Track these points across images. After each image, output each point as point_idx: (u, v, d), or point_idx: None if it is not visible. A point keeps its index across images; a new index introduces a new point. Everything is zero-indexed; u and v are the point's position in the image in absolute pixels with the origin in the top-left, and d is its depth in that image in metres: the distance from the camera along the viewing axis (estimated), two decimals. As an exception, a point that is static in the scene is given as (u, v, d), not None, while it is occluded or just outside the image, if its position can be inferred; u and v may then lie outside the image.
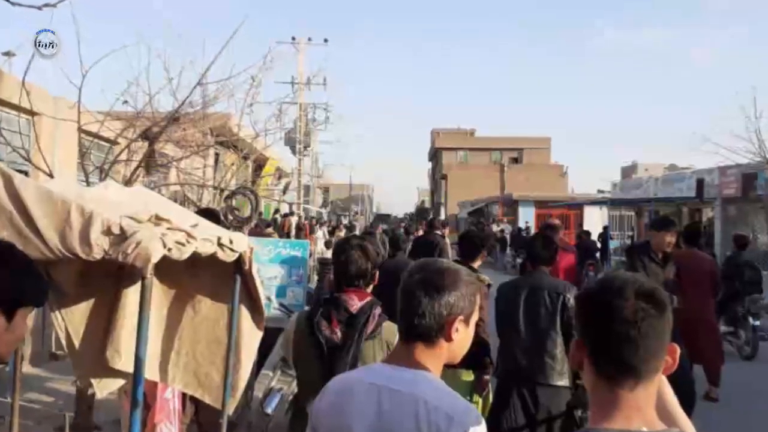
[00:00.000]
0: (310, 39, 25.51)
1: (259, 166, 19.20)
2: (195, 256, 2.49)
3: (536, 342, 3.92)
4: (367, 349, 2.48)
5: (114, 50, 6.56)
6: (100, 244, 2.16)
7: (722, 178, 16.75)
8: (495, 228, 27.77)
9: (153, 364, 3.07)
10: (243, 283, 3.07)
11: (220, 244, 2.66)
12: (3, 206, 2.15)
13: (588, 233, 18.02)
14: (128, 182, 6.43)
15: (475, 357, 3.88)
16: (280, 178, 25.86)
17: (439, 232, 9.40)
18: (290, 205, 24.38)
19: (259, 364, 5.15)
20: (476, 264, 4.63)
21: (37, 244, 2.14)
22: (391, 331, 2.45)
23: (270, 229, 12.72)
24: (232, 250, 2.75)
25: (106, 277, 2.92)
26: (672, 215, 17.12)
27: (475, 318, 1.65)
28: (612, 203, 23.04)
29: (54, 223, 2.16)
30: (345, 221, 38.81)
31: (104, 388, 3.11)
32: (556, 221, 9.15)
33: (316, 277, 12.05)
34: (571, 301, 3.86)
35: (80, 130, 6.25)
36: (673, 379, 1.38)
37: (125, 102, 7.38)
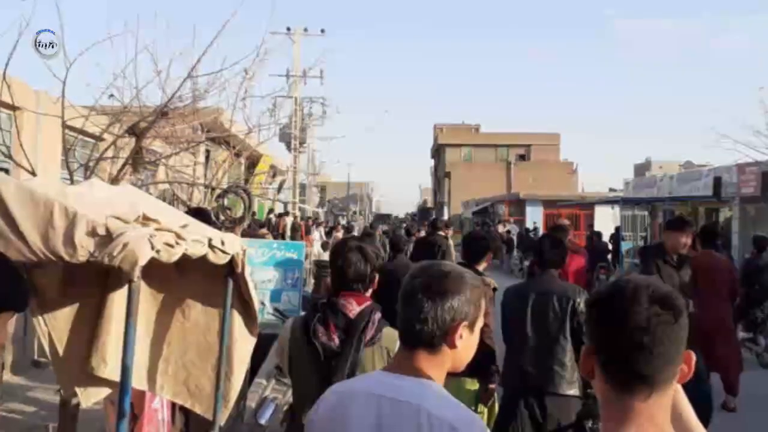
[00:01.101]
0: (306, 29, 25.57)
1: (253, 163, 19.21)
2: (185, 259, 2.49)
3: (544, 349, 3.92)
4: (367, 357, 2.48)
5: (100, 41, 6.57)
6: (84, 246, 2.16)
7: (741, 176, 16.73)
8: (501, 229, 27.77)
9: (140, 372, 3.07)
10: (235, 287, 3.07)
11: (211, 246, 2.66)
12: (-18, 206, 2.15)
13: (599, 234, 18.06)
14: (114, 180, 6.45)
15: (480, 365, 3.88)
16: (274, 176, 25.85)
17: (442, 233, 9.41)
18: (285, 204, 24.41)
19: (252, 373, 5.14)
20: (481, 267, 4.63)
21: (19, 246, 2.14)
22: (391, 337, 2.45)
23: (264, 230, 12.73)
24: (223, 252, 2.75)
25: (92, 281, 2.92)
26: (688, 215, 17.12)
27: (480, 324, 1.66)
28: (624, 203, 23.04)
29: (36, 224, 2.16)
30: (343, 221, 38.82)
31: (89, 398, 3.10)
32: (566, 222, 9.18)
33: (312, 281, 12.08)
34: (582, 306, 3.86)
35: (64, 125, 6.26)
36: (688, 389, 1.38)
37: (111, 96, 7.38)
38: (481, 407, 4.29)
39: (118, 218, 2.24)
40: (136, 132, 7.03)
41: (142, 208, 2.41)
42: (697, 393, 2.00)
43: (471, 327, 1.61)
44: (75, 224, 2.16)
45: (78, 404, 3.89)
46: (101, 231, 2.17)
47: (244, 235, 7.02)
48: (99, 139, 7.60)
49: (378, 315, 2.55)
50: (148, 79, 7.33)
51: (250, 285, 3.11)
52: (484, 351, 3.42)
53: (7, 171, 7.50)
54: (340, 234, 18.58)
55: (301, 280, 6.34)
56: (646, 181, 26.40)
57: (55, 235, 2.15)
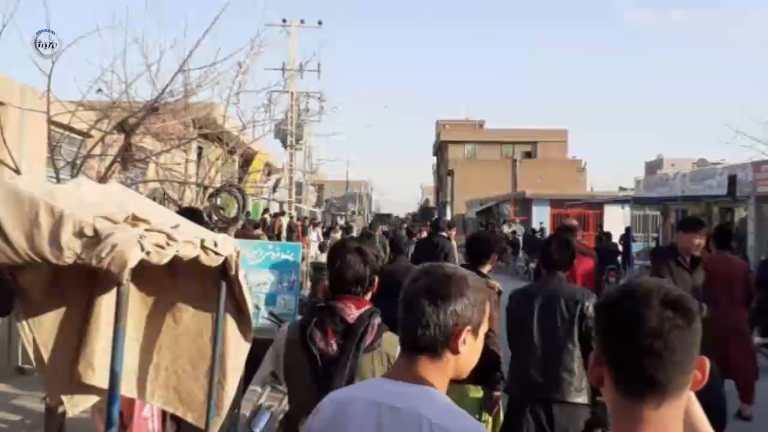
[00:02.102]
0: (302, 21, 25.53)
1: (247, 161, 19.24)
2: (176, 261, 2.49)
3: (552, 355, 3.92)
4: (366, 363, 2.48)
5: (87, 33, 6.58)
6: (71, 248, 2.16)
7: (757, 174, 16.75)
8: (506, 229, 27.82)
9: (130, 379, 3.07)
10: (229, 290, 3.07)
11: (203, 247, 2.66)
12: (-35, 205, 2.15)
13: (609, 235, 18.06)
14: (103, 179, 6.46)
15: (485, 371, 3.89)
16: (269, 174, 25.89)
17: (444, 233, 9.41)
18: (281, 204, 24.40)
19: (246, 380, 5.15)
20: (485, 269, 4.63)
21: (2, 247, 2.14)
22: (391, 342, 2.45)
23: (259, 231, 12.73)
24: (216, 253, 2.75)
25: (79, 284, 2.92)
26: (701, 215, 17.13)
27: (484, 329, 1.65)
28: (635, 202, 23.05)
29: (21, 225, 2.16)
30: (341, 222, 38.87)
31: (76, 406, 3.11)
32: (574, 222, 9.16)
33: (309, 284, 12.09)
34: (590, 310, 3.86)
35: (50, 121, 6.27)
36: (702, 396, 1.39)
37: (99, 90, 7.40)
38: (485, 415, 4.30)
39: (106, 218, 2.24)
40: (125, 128, 7.05)
41: (131, 207, 2.41)
42: (711, 400, 2.00)
43: (475, 332, 1.61)
44: (61, 224, 2.16)
45: (64, 413, 3.90)
46: (89, 231, 2.17)
47: (237, 235, 7.02)
48: (86, 135, 7.60)
49: (378, 319, 2.55)
50: (138, 73, 7.35)
51: (245, 288, 3.11)
52: (488, 357, 3.43)
53: (-10, 169, 7.51)
54: (338, 235, 18.60)
55: (297, 282, 6.35)
56: (657, 179, 26.41)
57: (41, 236, 2.15)
